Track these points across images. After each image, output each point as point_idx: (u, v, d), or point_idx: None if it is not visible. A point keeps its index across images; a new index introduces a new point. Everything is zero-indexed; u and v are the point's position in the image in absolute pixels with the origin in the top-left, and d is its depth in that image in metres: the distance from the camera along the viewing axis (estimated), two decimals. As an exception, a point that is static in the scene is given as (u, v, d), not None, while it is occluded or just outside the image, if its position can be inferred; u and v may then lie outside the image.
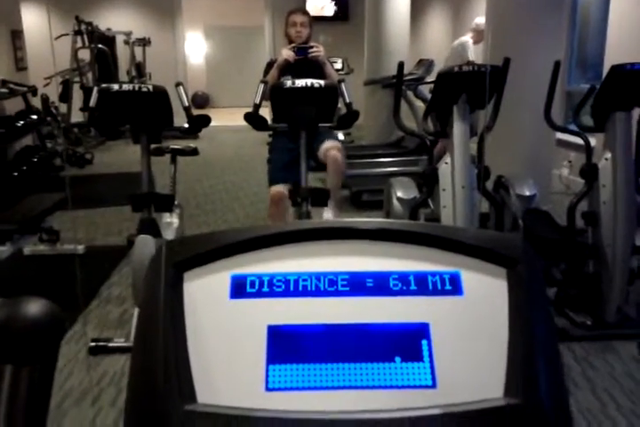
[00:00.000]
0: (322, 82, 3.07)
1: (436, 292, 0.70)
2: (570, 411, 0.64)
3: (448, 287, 0.70)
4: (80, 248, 4.35)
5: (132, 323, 3.13)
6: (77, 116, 8.42)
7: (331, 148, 3.89)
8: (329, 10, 11.59)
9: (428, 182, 3.46)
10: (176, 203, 3.55)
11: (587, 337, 3.05)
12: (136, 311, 3.12)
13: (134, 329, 0.69)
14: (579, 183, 3.82)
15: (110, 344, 2.99)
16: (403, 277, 0.70)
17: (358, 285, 0.70)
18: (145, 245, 3.01)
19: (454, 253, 0.72)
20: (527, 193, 3.76)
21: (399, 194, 3.77)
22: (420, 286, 0.70)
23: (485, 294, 0.69)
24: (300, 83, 3.02)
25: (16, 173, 6.18)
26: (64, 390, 2.67)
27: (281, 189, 3.87)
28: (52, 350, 0.61)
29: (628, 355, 2.91)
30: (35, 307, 0.60)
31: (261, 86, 3.17)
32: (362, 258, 0.72)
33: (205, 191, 6.43)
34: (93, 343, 2.98)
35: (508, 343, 0.66)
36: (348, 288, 0.70)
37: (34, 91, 6.99)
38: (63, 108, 8.01)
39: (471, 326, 0.68)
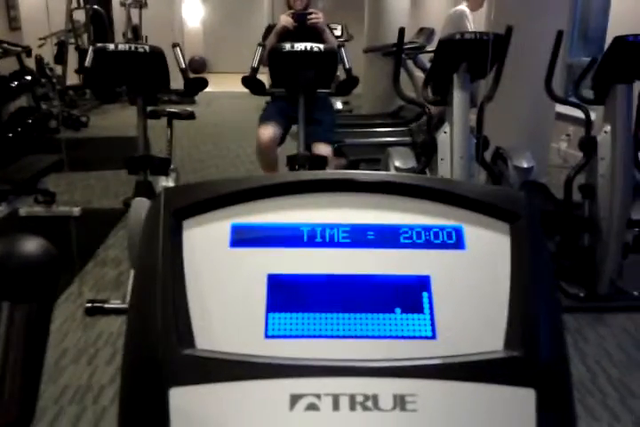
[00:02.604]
0: (321, 46, 3.04)
1: (437, 245, 0.70)
2: (569, 365, 0.65)
3: (450, 241, 0.70)
4: (76, 210, 4.34)
5: (128, 285, 3.15)
6: (73, 79, 8.31)
7: (322, 150, 3.75)
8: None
9: (426, 152, 3.44)
10: (172, 167, 3.54)
11: (579, 309, 3.08)
12: (132, 273, 3.13)
13: (132, 279, 0.69)
14: (577, 157, 3.82)
15: (106, 305, 3.01)
16: (404, 229, 0.70)
17: (359, 237, 0.70)
18: (141, 208, 3.00)
19: (457, 207, 0.71)
20: (525, 165, 3.75)
21: (397, 164, 3.76)
22: (422, 239, 0.70)
23: (487, 248, 0.70)
24: (300, 46, 2.98)
25: (11, 135, 6.13)
26: (61, 349, 2.70)
27: (271, 130, 3.81)
28: (48, 287, 0.61)
29: (620, 327, 2.95)
30: (30, 244, 0.60)
31: (259, 50, 3.13)
32: (364, 210, 0.72)
33: (202, 157, 6.40)
34: (89, 304, 3.00)
35: (509, 297, 0.66)
36: (349, 240, 0.70)
37: (28, 51, 6.89)
38: (58, 69, 7.90)
39: (472, 280, 0.68)
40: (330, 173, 0.75)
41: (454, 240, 0.70)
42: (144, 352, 0.64)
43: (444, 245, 0.70)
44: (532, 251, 0.68)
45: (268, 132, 3.83)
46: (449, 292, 0.67)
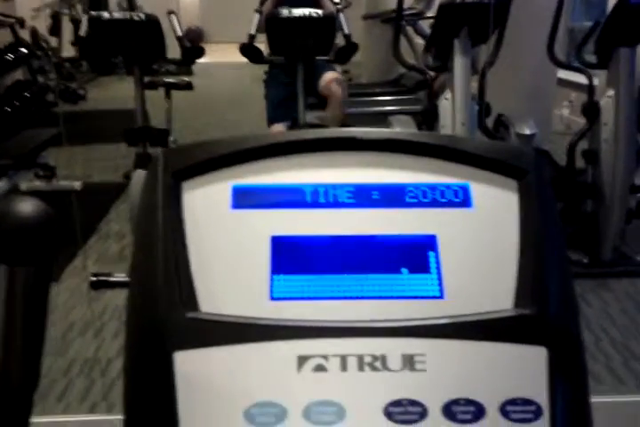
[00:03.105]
0: (319, 11, 2.99)
1: (443, 204, 0.68)
2: (579, 323, 0.65)
3: (457, 199, 0.68)
4: (77, 184, 4.32)
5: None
6: (69, 51, 8.21)
7: (330, 80, 3.80)
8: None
9: (427, 120, 3.42)
10: (172, 138, 3.52)
11: (583, 275, 3.09)
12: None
13: (133, 241, 0.68)
14: (579, 123, 3.79)
15: (111, 279, 3.01)
16: (409, 188, 0.69)
17: (364, 196, 0.68)
18: (142, 180, 2.98)
19: (463, 164, 0.70)
20: (527, 132, 3.72)
21: (398, 132, 3.73)
22: (428, 197, 0.68)
23: (495, 205, 0.68)
24: (298, 12, 2.93)
25: (8, 109, 6.07)
26: (68, 322, 2.72)
27: (281, 128, 3.83)
28: (46, 249, 0.60)
29: (623, 292, 2.96)
30: (25, 204, 0.59)
31: (256, 16, 3.09)
32: (368, 169, 0.70)
33: (201, 128, 6.35)
34: (94, 278, 3.00)
35: (518, 255, 0.65)
36: (353, 200, 0.68)
37: (21, 22, 6.78)
38: (54, 42, 7.80)
39: (480, 239, 0.67)
40: (333, 130, 0.73)
41: (461, 199, 0.68)
42: (147, 317, 0.63)
43: (450, 204, 0.68)
44: (541, 207, 0.67)
45: (279, 130, 3.81)
46: (456, 251, 0.66)
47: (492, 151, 0.70)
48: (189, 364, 0.60)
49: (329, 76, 3.78)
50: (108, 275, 3.11)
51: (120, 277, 3.06)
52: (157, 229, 0.65)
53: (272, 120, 3.90)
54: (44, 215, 0.59)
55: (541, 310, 0.62)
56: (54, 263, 0.61)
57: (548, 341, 0.61)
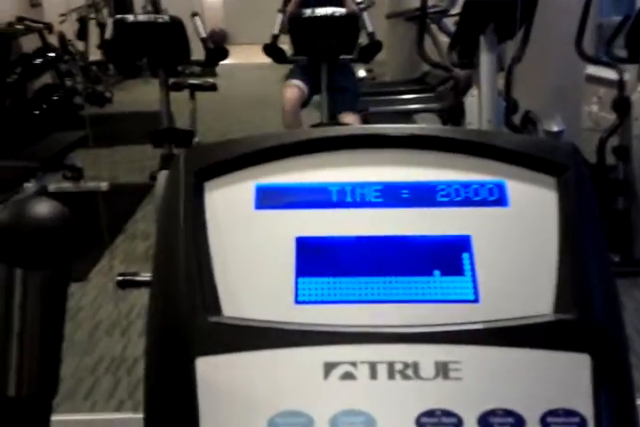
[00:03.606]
0: (343, 10, 2.97)
1: (478, 203, 0.65)
2: (624, 327, 0.61)
3: (492, 198, 0.65)
4: (104, 185, 4.34)
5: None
6: (95, 54, 8.29)
7: (349, 120, 3.69)
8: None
9: (453, 117, 3.38)
10: (196, 140, 3.52)
11: (615, 274, 3.01)
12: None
13: (155, 243, 0.65)
14: (608, 120, 3.71)
15: (137, 278, 3.01)
16: (441, 187, 0.65)
17: (393, 195, 0.65)
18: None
19: (498, 161, 0.66)
20: (555, 129, 3.66)
21: (423, 130, 3.69)
22: (461, 196, 0.65)
23: (533, 204, 0.64)
24: (321, 12, 2.92)
25: (37, 112, 6.15)
26: (95, 322, 2.73)
27: (296, 88, 3.74)
28: (62, 252, 0.58)
29: (656, 291, 2.89)
30: (41, 206, 0.57)
31: (279, 16, 3.08)
32: (396, 167, 0.67)
33: (225, 130, 6.36)
34: (120, 277, 3.00)
35: (557, 256, 0.62)
36: (381, 199, 0.65)
37: (50, 28, 6.87)
38: (80, 46, 7.88)
39: (517, 239, 0.63)
40: (360, 127, 0.71)
41: (496, 197, 0.65)
42: (168, 321, 0.61)
43: (485, 203, 0.65)
44: (582, 206, 0.63)
45: (294, 90, 3.75)
46: (492, 252, 0.63)
47: (529, 147, 0.67)
48: (212, 370, 0.58)
49: (348, 119, 3.64)
50: (135, 274, 3.10)
51: (146, 276, 3.04)
52: (179, 230, 0.63)
53: (290, 76, 3.84)
54: (61, 217, 0.57)
55: (584, 315, 0.58)
56: (72, 266, 0.59)
57: (591, 347, 0.57)
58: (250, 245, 0.64)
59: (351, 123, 3.46)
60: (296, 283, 0.61)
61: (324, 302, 0.61)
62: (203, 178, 0.66)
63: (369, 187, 0.66)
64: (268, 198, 0.66)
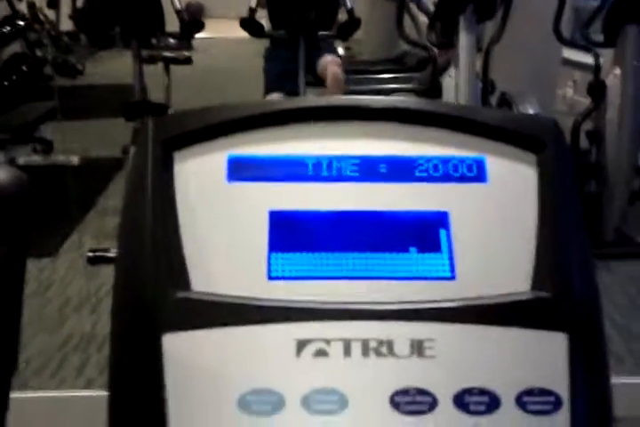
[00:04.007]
0: (323, -16, 2.92)
1: (456, 178, 0.63)
2: (601, 306, 0.60)
3: (470, 174, 0.63)
4: (74, 159, 4.27)
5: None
6: (67, 25, 8.09)
7: (330, 62, 3.73)
8: None
9: (431, 97, 3.36)
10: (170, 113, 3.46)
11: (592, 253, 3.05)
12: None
13: (120, 215, 0.63)
14: (582, 104, 3.74)
15: (108, 254, 2.97)
16: (420, 162, 0.64)
17: (370, 170, 0.64)
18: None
19: (478, 136, 0.65)
20: (530, 111, 3.67)
21: (400, 110, 3.68)
22: (439, 171, 0.63)
23: (512, 180, 0.63)
24: (300, -15, 2.87)
25: (5, 83, 5.99)
26: (64, 298, 2.69)
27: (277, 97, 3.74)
28: (19, 227, 0.54)
29: (625, 274, 2.94)
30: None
31: (257, -12, 3.02)
32: (375, 141, 0.65)
33: (200, 103, 6.25)
34: (91, 253, 2.96)
35: (536, 234, 0.61)
36: (358, 173, 0.64)
37: (20, -5, 6.68)
38: (51, 15, 7.68)
39: (496, 216, 0.62)
40: (337, 98, 0.68)
41: (475, 173, 0.64)
42: (134, 296, 0.59)
43: (463, 179, 0.63)
44: (562, 183, 0.62)
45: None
46: (469, 229, 0.61)
47: (509, 122, 0.65)
48: (179, 347, 0.56)
49: (328, 59, 3.69)
50: (106, 250, 3.06)
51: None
52: (146, 202, 0.60)
53: (268, 90, 3.82)
54: (19, 186, 0.53)
55: (561, 294, 0.58)
56: (29, 242, 0.56)
57: (568, 326, 0.57)
58: (221, 218, 0.61)
59: (335, 67, 3.45)
60: (269, 258, 0.60)
61: (298, 277, 0.59)
62: (172, 148, 0.63)
63: (346, 160, 0.64)
64: (241, 170, 0.63)
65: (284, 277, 0.59)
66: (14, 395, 0.65)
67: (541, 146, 0.63)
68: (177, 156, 0.63)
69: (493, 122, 0.64)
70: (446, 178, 0.63)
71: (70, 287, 2.81)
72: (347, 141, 0.65)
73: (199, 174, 0.63)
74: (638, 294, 2.79)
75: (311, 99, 0.68)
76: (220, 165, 0.63)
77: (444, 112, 0.65)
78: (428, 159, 0.64)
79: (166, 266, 0.58)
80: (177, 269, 0.58)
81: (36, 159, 4.30)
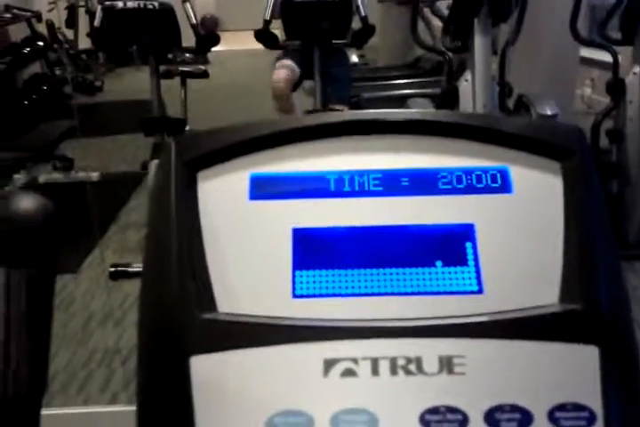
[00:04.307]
0: (335, -7, 2.93)
1: (481, 190, 0.62)
2: (632, 317, 0.59)
3: (495, 184, 0.62)
4: (95, 175, 4.31)
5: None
6: (85, 43, 8.21)
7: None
8: None
9: (447, 102, 3.35)
10: (188, 128, 3.49)
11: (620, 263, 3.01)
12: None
13: (145, 236, 0.63)
14: (602, 103, 3.70)
15: (130, 269, 2.99)
16: (442, 174, 0.63)
17: (392, 183, 0.63)
18: (158, 170, 2.97)
19: (500, 146, 0.64)
20: (549, 112, 3.64)
21: (417, 115, 3.67)
22: (463, 183, 0.63)
23: (537, 190, 0.62)
24: (313, -5, 2.88)
25: (26, 102, 6.08)
26: (88, 313, 2.71)
27: (286, 70, 3.60)
28: (47, 250, 0.55)
29: (651, 275, 2.89)
30: (24, 201, 0.55)
31: (271, 1, 3.03)
32: (396, 154, 0.64)
33: (217, 117, 6.30)
34: (113, 268, 2.98)
35: (563, 244, 0.60)
36: (381, 187, 0.63)
37: (38, 16, 6.79)
38: (70, 34, 7.80)
39: (522, 227, 0.61)
40: (356, 113, 0.68)
41: (499, 183, 0.63)
42: (160, 318, 0.59)
43: (488, 190, 0.62)
44: (588, 192, 0.61)
45: (283, 71, 3.68)
46: (496, 241, 0.60)
47: (532, 131, 0.64)
48: (207, 369, 0.55)
49: (336, 106, 3.55)
50: (127, 265, 3.08)
51: (139, 267, 3.02)
52: (171, 222, 0.60)
53: (282, 56, 3.76)
54: (44, 213, 0.54)
55: (591, 305, 0.56)
56: (57, 262, 0.57)
57: (599, 339, 0.55)
58: (245, 237, 0.61)
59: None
60: (293, 276, 0.59)
61: (323, 295, 0.59)
62: (195, 168, 0.63)
63: (367, 175, 0.63)
64: (263, 188, 0.63)
65: (308, 295, 0.59)
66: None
67: (566, 154, 0.62)
68: (200, 176, 0.64)
69: (515, 131, 0.64)
70: (470, 189, 0.62)
71: (93, 302, 2.83)
72: (368, 156, 0.64)
73: (222, 193, 0.63)
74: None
75: (329, 115, 0.67)
76: (243, 183, 0.63)
77: (464, 122, 0.64)
78: (451, 171, 0.63)
79: (192, 287, 0.58)
80: (202, 291, 0.58)
81: (57, 177, 4.35)
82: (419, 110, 0.72)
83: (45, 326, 0.57)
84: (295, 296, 0.59)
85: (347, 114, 0.68)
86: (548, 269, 0.59)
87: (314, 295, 0.59)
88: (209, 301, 0.58)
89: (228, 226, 0.61)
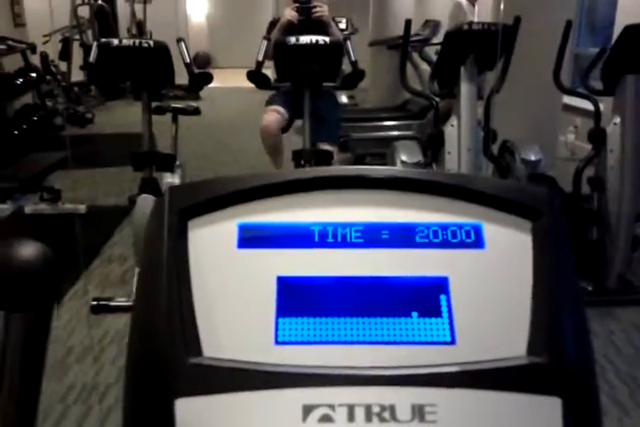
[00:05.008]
0: (327, 39, 3.00)
1: (455, 245, 0.66)
2: (595, 372, 0.62)
3: (469, 240, 0.66)
4: (81, 207, 4.32)
5: (133, 282, 3.12)
6: (78, 75, 8.29)
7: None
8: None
9: (433, 145, 3.42)
10: (177, 163, 3.51)
11: (588, 303, 3.02)
12: (137, 270, 3.12)
13: (136, 279, 0.66)
14: (584, 149, 3.78)
15: (112, 303, 2.98)
16: (420, 228, 0.67)
17: (373, 236, 0.66)
18: (146, 205, 2.98)
19: (475, 204, 0.68)
20: (532, 158, 3.72)
21: (403, 157, 3.73)
22: (439, 238, 0.66)
23: (508, 247, 0.66)
24: (305, 39, 2.95)
25: (16, 132, 6.11)
26: (67, 347, 2.69)
27: (276, 114, 3.74)
28: (46, 296, 0.58)
29: (629, 321, 2.91)
30: (25, 249, 0.57)
31: (264, 43, 3.10)
32: (377, 208, 0.68)
33: (207, 153, 6.37)
34: (95, 302, 2.97)
35: (531, 299, 0.63)
36: (362, 240, 0.66)
37: (33, 48, 6.87)
38: (63, 66, 7.88)
39: (493, 281, 0.65)
40: (340, 168, 0.72)
41: (473, 239, 0.66)
42: (148, 361, 0.61)
43: (462, 245, 0.66)
44: (556, 250, 0.65)
45: (274, 115, 3.77)
46: (468, 294, 0.64)
47: (506, 191, 0.68)
48: (191, 412, 0.57)
49: (326, 147, 3.59)
50: (109, 299, 3.08)
51: (121, 301, 3.03)
52: (161, 267, 0.63)
53: (270, 102, 3.83)
54: (44, 260, 0.57)
55: (555, 359, 0.60)
56: (54, 307, 0.59)
57: (562, 391, 0.58)
58: (232, 283, 0.64)
59: (330, 151, 3.47)
60: (276, 323, 0.62)
61: (304, 342, 0.61)
62: (187, 217, 0.67)
63: (350, 227, 0.67)
64: (251, 237, 0.66)
65: (290, 342, 0.61)
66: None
67: (536, 214, 0.66)
68: (191, 224, 0.67)
69: (489, 190, 0.68)
70: (445, 244, 0.66)
71: (74, 336, 2.81)
72: (350, 209, 0.68)
73: (211, 241, 0.66)
74: (644, 341, 2.76)
75: (316, 169, 0.71)
76: (231, 232, 0.67)
77: (442, 181, 0.68)
78: (428, 226, 0.67)
79: (179, 332, 0.60)
80: (189, 335, 0.61)
81: (43, 207, 4.35)
82: (399, 168, 0.76)
83: (39, 368, 0.59)
84: (277, 343, 0.61)
85: (332, 169, 0.72)
86: (516, 322, 0.62)
87: (295, 342, 0.61)
88: (195, 346, 0.60)
89: (216, 273, 0.64)
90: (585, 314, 0.64)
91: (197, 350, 0.60)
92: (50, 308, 0.59)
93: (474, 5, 7.17)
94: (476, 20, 6.75)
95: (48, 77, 7.19)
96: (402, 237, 0.67)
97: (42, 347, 0.60)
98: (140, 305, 0.65)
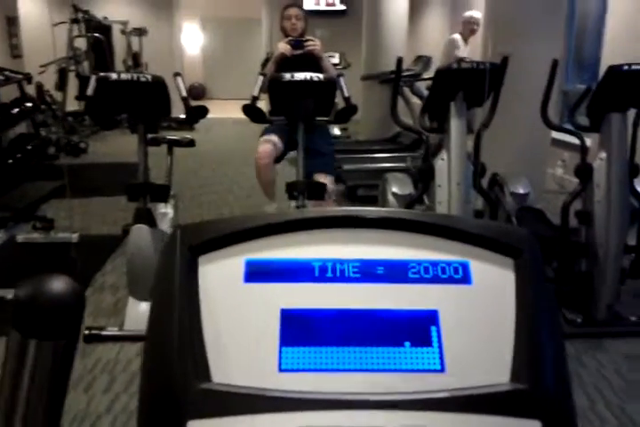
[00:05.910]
0: (321, 75, 3.09)
1: (444, 280, 0.72)
2: (573, 398, 0.67)
3: (457, 276, 0.72)
4: (74, 236, 4.35)
5: (125, 312, 3.14)
6: (72, 105, 8.39)
7: (322, 180, 3.74)
8: (326, 4, 11.60)
9: (423, 178, 3.47)
10: (171, 193, 3.56)
11: (577, 335, 3.07)
12: (130, 300, 3.13)
13: (149, 310, 0.70)
14: (572, 183, 3.85)
15: (104, 333, 2.99)
16: (412, 265, 0.72)
17: (369, 271, 0.72)
18: (140, 235, 3.02)
19: (463, 242, 0.74)
20: (521, 191, 3.79)
21: (394, 189, 3.80)
22: (430, 274, 0.72)
23: (493, 282, 0.72)
24: (300, 76, 3.03)
25: (10, 161, 6.15)
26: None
27: (270, 144, 3.82)
28: (74, 326, 0.63)
29: (618, 353, 2.94)
30: (59, 284, 0.62)
31: (260, 79, 3.18)
32: (372, 246, 0.74)
33: (200, 183, 6.43)
34: (87, 331, 2.98)
35: (514, 330, 0.68)
36: (359, 275, 0.72)
37: (29, 78, 6.94)
38: (58, 96, 7.97)
39: (479, 314, 0.70)
40: (339, 210, 0.77)
41: (461, 275, 0.72)
42: (161, 386, 0.66)
43: (451, 280, 0.72)
44: (536, 285, 0.70)
45: (268, 146, 3.85)
46: (457, 326, 0.69)
47: (490, 231, 0.74)
48: None
49: (321, 179, 3.64)
50: (101, 329, 3.07)
51: (113, 330, 3.03)
52: (173, 299, 0.68)
53: (264, 133, 3.92)
54: (74, 294, 0.62)
55: (536, 385, 0.65)
56: (79, 335, 0.64)
57: (542, 415, 0.63)
58: (239, 315, 0.69)
59: (325, 182, 3.53)
60: (280, 352, 0.67)
61: (305, 370, 0.66)
62: (197, 252, 0.72)
63: (348, 263, 0.73)
64: (257, 272, 0.72)
65: (292, 370, 0.66)
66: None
67: (518, 252, 0.72)
68: (201, 260, 0.73)
69: (476, 230, 0.74)
70: (435, 279, 0.72)
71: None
72: (348, 247, 0.74)
73: (220, 276, 0.72)
74: (632, 373, 2.79)
75: (316, 210, 0.77)
76: (239, 267, 0.72)
77: (432, 222, 0.75)
78: (420, 263, 0.73)
79: (190, 359, 0.65)
80: (200, 363, 0.66)
81: (36, 236, 4.37)
82: (393, 209, 0.82)
83: (63, 394, 0.64)
84: (281, 371, 0.66)
85: (332, 210, 0.78)
86: (501, 352, 0.68)
87: (297, 370, 0.67)
88: (205, 372, 0.65)
89: (224, 305, 0.70)
90: (563, 342, 0.70)
91: (207, 376, 0.65)
92: (76, 337, 0.64)
93: (467, 42, 7.36)
94: (467, 56, 6.92)
95: (43, 107, 7.27)
96: (395, 272, 0.72)
97: (67, 373, 0.64)
98: (152, 335, 0.70)
